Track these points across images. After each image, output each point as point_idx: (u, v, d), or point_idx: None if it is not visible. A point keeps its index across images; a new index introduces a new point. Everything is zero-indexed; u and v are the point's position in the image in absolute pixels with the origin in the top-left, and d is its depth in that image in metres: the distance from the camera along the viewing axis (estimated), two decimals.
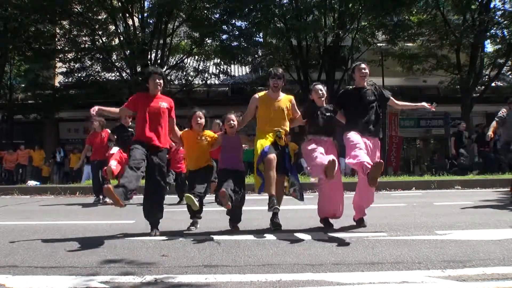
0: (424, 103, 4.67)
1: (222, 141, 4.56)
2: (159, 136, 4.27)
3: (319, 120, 4.40)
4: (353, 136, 4.14)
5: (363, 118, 4.29)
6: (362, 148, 4.01)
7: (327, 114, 4.43)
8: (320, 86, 4.53)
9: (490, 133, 7.10)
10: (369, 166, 3.73)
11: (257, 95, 4.53)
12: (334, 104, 4.60)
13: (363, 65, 4.48)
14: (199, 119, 4.50)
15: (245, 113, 4.59)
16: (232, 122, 4.49)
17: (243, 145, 4.68)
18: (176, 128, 4.64)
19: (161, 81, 4.37)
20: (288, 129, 4.49)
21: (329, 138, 4.43)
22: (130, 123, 7.44)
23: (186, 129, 4.64)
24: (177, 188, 7.76)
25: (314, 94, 4.51)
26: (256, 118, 4.53)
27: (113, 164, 6.58)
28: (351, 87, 4.64)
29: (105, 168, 6.80)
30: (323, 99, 4.50)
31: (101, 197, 7.97)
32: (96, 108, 4.23)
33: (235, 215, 4.38)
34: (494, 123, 7.18)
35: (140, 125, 4.29)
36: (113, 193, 3.67)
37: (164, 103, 4.37)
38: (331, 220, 4.49)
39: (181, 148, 7.07)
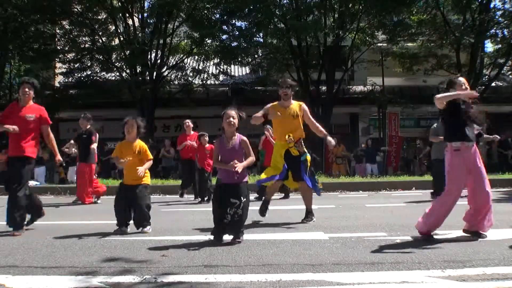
0: None
1: (219, 149, 3.74)
2: (27, 147, 4.30)
3: (469, 121, 3.63)
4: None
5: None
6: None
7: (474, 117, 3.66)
8: (462, 79, 3.82)
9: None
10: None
11: (269, 105, 4.75)
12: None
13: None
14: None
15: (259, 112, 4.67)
16: (231, 119, 3.68)
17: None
18: (51, 135, 4.61)
19: (31, 90, 4.37)
20: (303, 135, 4.65)
21: (474, 144, 3.68)
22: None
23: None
24: (195, 187, 7.81)
25: (459, 87, 3.67)
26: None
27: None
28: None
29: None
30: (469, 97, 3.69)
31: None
32: None
33: (234, 229, 3.69)
34: None
35: (10, 137, 4.33)
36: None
37: (30, 114, 4.36)
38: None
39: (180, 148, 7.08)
